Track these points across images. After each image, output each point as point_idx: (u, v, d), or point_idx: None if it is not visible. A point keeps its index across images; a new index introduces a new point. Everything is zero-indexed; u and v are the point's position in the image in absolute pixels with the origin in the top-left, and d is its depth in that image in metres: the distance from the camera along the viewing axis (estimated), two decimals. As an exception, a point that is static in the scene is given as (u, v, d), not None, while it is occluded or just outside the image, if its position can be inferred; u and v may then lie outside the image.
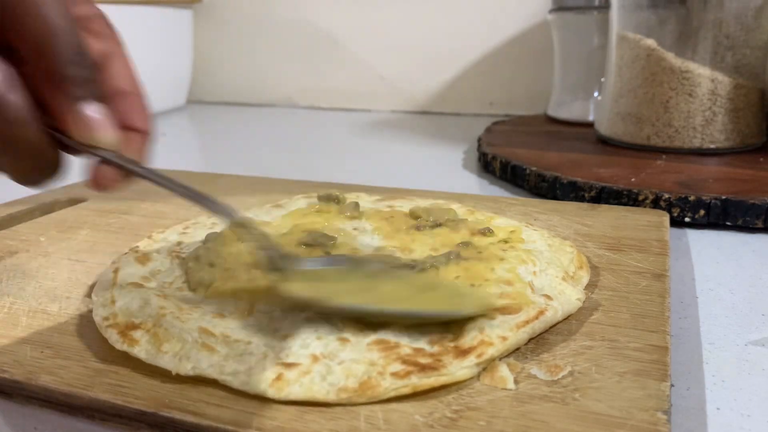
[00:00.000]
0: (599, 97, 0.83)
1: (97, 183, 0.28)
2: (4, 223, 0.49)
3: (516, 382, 0.27)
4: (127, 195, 0.56)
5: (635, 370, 0.27)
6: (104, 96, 0.28)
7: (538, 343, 0.30)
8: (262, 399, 0.26)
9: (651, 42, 0.65)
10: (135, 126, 0.30)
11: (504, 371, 0.27)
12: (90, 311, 0.34)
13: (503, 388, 0.26)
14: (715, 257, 0.45)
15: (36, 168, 0.26)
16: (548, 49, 0.94)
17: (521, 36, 1.08)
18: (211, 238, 0.41)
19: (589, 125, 0.79)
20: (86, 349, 0.30)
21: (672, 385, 0.29)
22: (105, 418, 0.26)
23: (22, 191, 0.56)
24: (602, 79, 0.75)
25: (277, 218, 0.45)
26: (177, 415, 0.25)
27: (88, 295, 0.36)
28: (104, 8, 0.31)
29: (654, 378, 0.26)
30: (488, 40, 1.11)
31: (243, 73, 1.29)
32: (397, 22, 1.16)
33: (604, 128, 0.72)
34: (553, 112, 0.92)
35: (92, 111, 0.27)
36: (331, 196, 0.48)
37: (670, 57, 0.64)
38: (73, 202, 0.54)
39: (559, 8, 0.88)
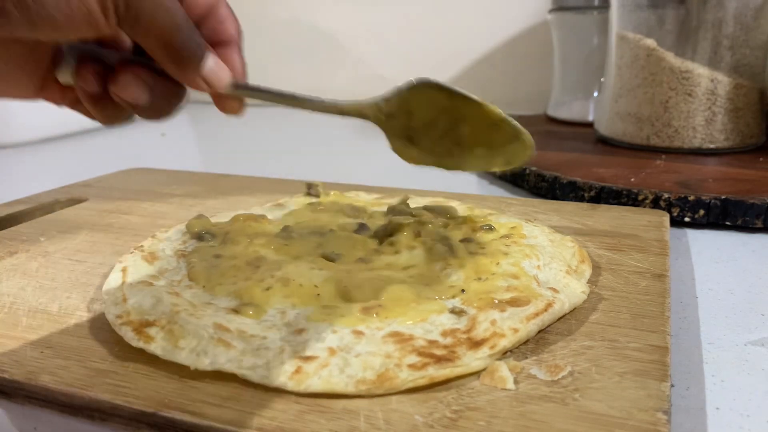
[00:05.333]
0: (599, 97, 0.83)
1: (225, 110, 0.35)
2: (4, 223, 0.49)
3: (516, 382, 0.27)
4: (127, 195, 0.56)
5: (635, 370, 0.27)
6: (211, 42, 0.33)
7: (538, 343, 0.30)
8: (262, 399, 0.26)
9: (651, 42, 0.65)
10: (228, 38, 0.35)
11: (504, 371, 0.27)
12: (90, 311, 0.34)
13: (503, 388, 0.26)
14: (715, 257, 0.45)
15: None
16: (548, 49, 0.94)
17: (521, 36, 1.08)
18: (213, 235, 0.41)
19: (589, 125, 0.79)
20: (86, 349, 0.30)
21: (672, 385, 0.29)
22: (105, 418, 0.26)
23: (22, 191, 0.56)
24: (602, 79, 0.75)
25: (279, 217, 0.46)
26: (177, 415, 0.25)
27: (88, 295, 0.36)
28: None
29: (654, 378, 0.26)
30: (488, 40, 1.10)
31: (243, 73, 1.29)
32: (397, 22, 1.16)
33: (603, 128, 0.72)
34: (552, 111, 0.92)
35: (208, 70, 0.31)
36: (310, 186, 0.51)
37: (670, 57, 0.64)
38: (73, 202, 0.54)
39: (559, 8, 0.88)
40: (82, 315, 0.33)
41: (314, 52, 1.23)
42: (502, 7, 1.08)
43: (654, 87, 0.65)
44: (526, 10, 1.06)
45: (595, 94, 0.86)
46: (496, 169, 0.39)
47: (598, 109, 0.75)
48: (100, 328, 0.32)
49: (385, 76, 1.19)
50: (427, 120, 0.38)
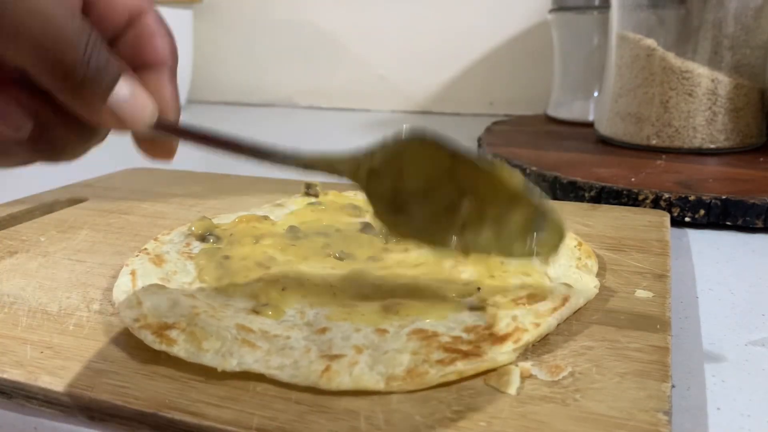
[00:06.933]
0: (599, 97, 0.83)
1: (149, 155, 0.27)
2: (4, 223, 0.49)
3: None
4: (127, 195, 0.56)
5: (636, 371, 0.27)
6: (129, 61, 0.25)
7: (538, 343, 0.30)
8: (262, 399, 0.26)
9: (651, 42, 0.65)
10: (156, 59, 0.26)
11: (514, 376, 0.27)
12: (90, 311, 0.34)
13: (504, 391, 0.26)
14: (715, 257, 0.45)
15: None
16: (548, 49, 0.94)
17: (521, 36, 1.08)
18: (217, 237, 0.41)
19: (589, 125, 0.79)
20: (86, 350, 0.30)
21: (673, 386, 0.28)
22: (105, 418, 0.26)
23: (22, 191, 0.56)
24: (602, 79, 0.75)
25: (280, 217, 0.46)
26: (177, 416, 0.25)
27: (88, 295, 0.36)
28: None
29: (655, 378, 0.26)
30: (488, 40, 1.11)
31: (243, 73, 1.29)
32: (397, 22, 1.16)
33: (603, 128, 0.72)
34: (553, 112, 0.92)
35: (120, 102, 0.23)
36: (309, 186, 0.51)
37: (670, 57, 0.64)
38: (73, 202, 0.54)
39: (559, 8, 0.88)
40: (82, 315, 0.33)
41: (314, 52, 1.23)
42: (502, 7, 1.08)
43: (654, 87, 0.65)
44: (526, 10, 1.06)
45: (595, 94, 0.86)
46: (512, 259, 0.31)
47: (598, 109, 0.75)
48: (100, 328, 0.32)
49: (385, 76, 1.19)
50: (423, 186, 0.29)
